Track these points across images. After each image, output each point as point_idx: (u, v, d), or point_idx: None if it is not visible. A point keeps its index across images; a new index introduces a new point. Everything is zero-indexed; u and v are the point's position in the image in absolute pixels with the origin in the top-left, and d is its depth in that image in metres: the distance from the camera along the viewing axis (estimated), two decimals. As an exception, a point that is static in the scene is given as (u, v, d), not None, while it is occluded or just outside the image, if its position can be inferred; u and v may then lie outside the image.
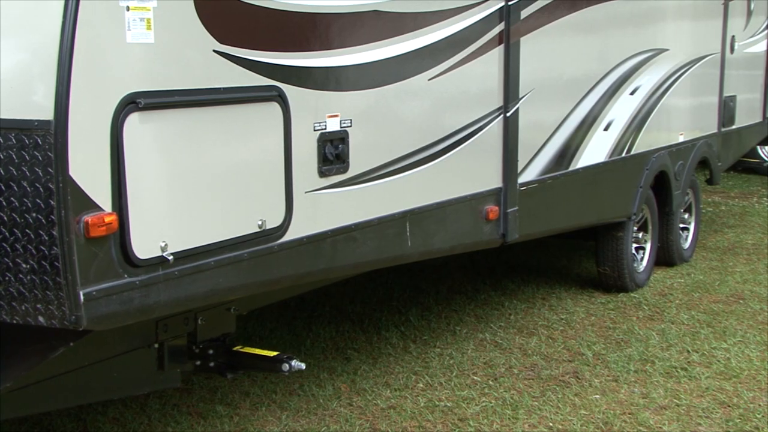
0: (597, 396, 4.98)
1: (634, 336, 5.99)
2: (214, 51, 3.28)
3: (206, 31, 3.23)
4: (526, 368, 5.38)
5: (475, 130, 4.91)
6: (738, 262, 8.03)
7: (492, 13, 4.92)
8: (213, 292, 3.36)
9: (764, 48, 9.60)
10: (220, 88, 3.31)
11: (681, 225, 8.08)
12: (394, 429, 4.54)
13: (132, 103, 2.98)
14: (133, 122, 2.98)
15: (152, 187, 3.08)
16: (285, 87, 3.61)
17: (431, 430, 4.55)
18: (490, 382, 5.15)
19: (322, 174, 3.85)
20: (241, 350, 3.94)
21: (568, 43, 5.78)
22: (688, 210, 8.31)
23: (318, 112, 3.81)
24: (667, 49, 7.15)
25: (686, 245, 8.19)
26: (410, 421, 4.63)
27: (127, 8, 2.93)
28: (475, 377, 5.23)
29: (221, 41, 3.30)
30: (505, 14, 5.03)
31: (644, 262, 7.34)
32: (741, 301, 6.81)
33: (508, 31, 5.06)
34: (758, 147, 12.81)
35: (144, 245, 3.05)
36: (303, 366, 3.87)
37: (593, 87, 6.13)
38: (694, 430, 4.58)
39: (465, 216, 4.91)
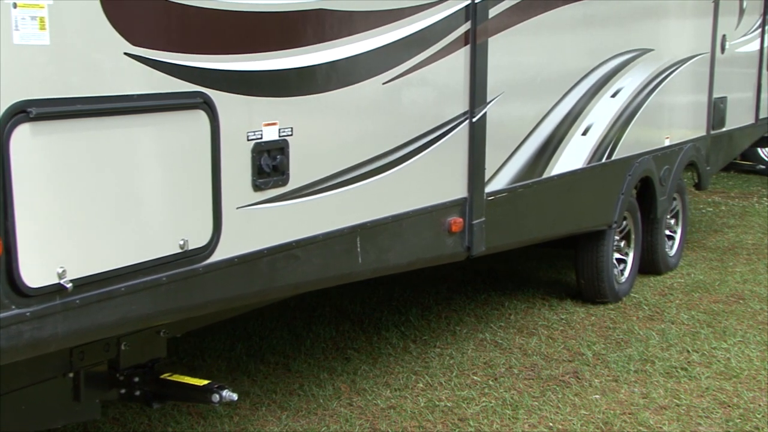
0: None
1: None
2: (126, 54, 2.95)
3: (115, 31, 2.89)
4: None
5: (437, 136, 4.58)
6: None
7: (456, 11, 4.58)
8: (124, 321, 3.03)
9: (757, 47, 9.27)
10: (132, 95, 2.97)
11: (667, 232, 7.78)
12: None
13: (21, 113, 2.64)
14: (23, 134, 2.64)
15: (47, 207, 2.74)
16: (212, 93, 3.26)
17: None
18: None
19: (258, 187, 3.51)
20: (169, 378, 3.61)
21: (541, 43, 5.44)
22: (674, 216, 8.00)
23: (252, 120, 3.48)
24: (651, 50, 6.81)
25: (672, 252, 7.87)
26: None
27: (14, 5, 2.59)
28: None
29: (134, 43, 2.96)
30: (471, 13, 4.69)
31: (626, 272, 7.02)
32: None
33: (474, 30, 4.73)
34: (759, 149, 12.61)
35: (36, 272, 2.72)
36: (235, 396, 3.54)
37: (570, 90, 5.80)
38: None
39: (425, 229, 4.58)
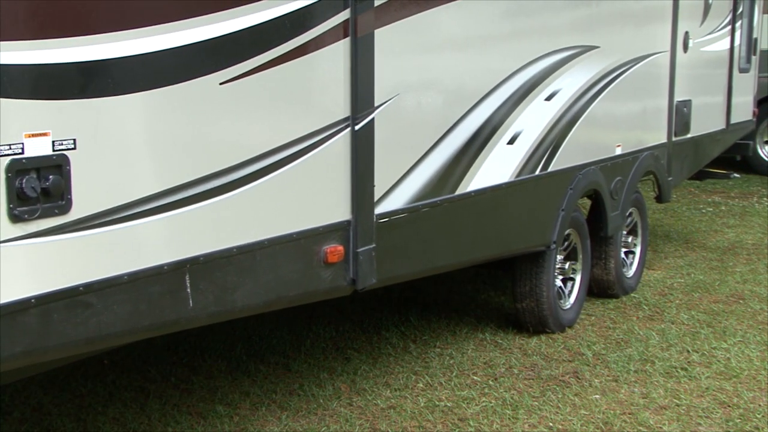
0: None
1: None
2: None
3: None
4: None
5: (305, 148, 3.76)
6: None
7: (328, -5, 3.77)
8: None
9: (727, 46, 8.47)
10: None
11: (625, 249, 6.99)
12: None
13: None
14: None
15: None
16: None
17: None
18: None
19: (17, 218, 2.70)
20: None
21: (449, 37, 4.62)
22: (632, 232, 7.19)
23: (7, 129, 2.66)
24: (596, 47, 6.02)
25: (630, 273, 7.05)
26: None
27: None
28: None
29: None
30: (350, -1, 3.89)
31: (572, 298, 6.21)
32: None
33: (354, 20, 3.92)
34: (758, 146, 12.16)
35: None
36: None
37: (491, 91, 4.98)
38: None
39: (289, 261, 3.76)
